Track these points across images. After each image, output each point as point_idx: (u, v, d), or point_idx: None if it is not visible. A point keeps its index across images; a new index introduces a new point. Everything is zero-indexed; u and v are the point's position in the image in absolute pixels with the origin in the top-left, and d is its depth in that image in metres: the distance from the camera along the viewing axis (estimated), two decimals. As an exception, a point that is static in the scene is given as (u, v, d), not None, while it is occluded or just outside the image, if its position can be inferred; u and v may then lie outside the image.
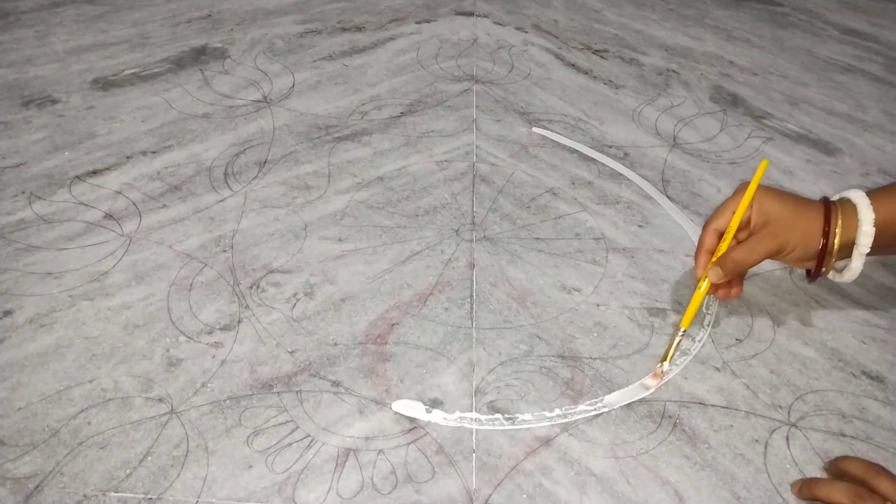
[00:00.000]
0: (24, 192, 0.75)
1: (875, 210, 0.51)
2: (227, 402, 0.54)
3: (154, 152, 0.83)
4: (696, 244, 0.67)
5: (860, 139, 0.97)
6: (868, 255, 0.53)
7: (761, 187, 0.56)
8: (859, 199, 0.53)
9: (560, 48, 1.17)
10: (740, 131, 0.97)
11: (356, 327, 0.62)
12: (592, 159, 0.87)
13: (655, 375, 0.58)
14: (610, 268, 0.70)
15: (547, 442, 0.53)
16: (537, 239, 0.73)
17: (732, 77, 1.13)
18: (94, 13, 1.18)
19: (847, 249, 0.54)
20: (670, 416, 0.56)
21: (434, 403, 0.55)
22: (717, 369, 0.60)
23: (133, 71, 1.00)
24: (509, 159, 0.86)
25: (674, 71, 1.13)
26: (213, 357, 0.58)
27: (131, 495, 0.48)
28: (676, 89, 1.07)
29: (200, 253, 0.68)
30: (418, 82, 1.02)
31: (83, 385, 0.55)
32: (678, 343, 0.58)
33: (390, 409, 0.55)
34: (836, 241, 0.53)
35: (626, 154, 0.89)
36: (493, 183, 0.81)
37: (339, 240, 0.71)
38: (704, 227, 0.57)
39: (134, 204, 0.74)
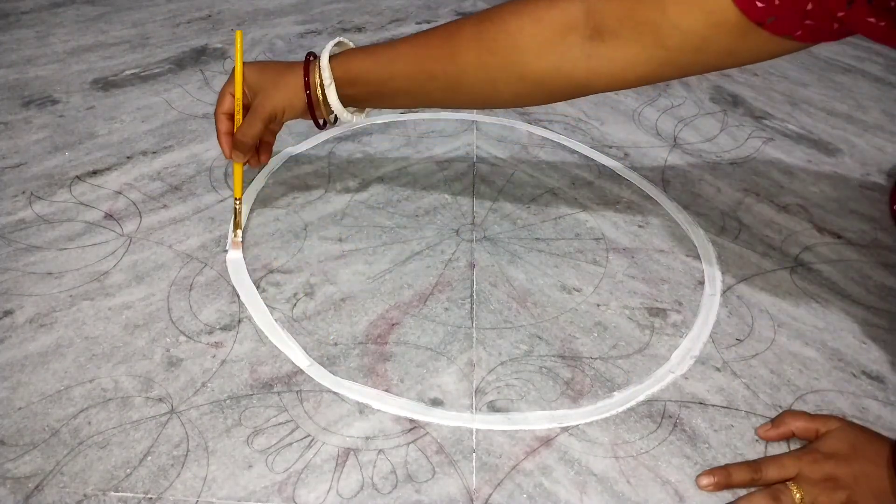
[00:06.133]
0: (24, 193, 0.75)
1: (337, 67, 0.59)
2: (228, 401, 0.54)
3: (154, 152, 0.83)
4: (695, 244, 0.68)
5: (860, 139, 0.97)
6: (365, 105, 0.63)
7: (247, 66, 0.61)
8: (324, 59, 0.59)
9: (560, 48, 1.16)
10: (740, 131, 0.97)
11: (356, 327, 0.62)
12: (592, 159, 0.87)
13: (235, 244, 0.68)
14: (610, 268, 0.70)
15: (547, 442, 0.53)
16: (537, 239, 0.73)
17: (732, 77, 1.13)
18: (94, 14, 1.18)
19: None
20: (670, 416, 0.56)
21: (434, 403, 0.55)
22: (718, 369, 0.60)
23: (133, 71, 1.00)
24: (509, 159, 0.86)
25: (674, 71, 1.13)
26: (214, 357, 0.58)
27: (131, 495, 0.48)
28: (677, 90, 1.07)
29: (200, 253, 0.68)
30: (418, 82, 1.02)
31: (83, 385, 0.55)
32: (240, 210, 0.68)
33: (391, 409, 0.55)
34: (319, 92, 0.60)
35: (626, 154, 0.89)
36: (493, 183, 0.81)
37: (340, 240, 0.71)
38: (215, 114, 0.63)
39: (134, 204, 0.74)
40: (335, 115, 0.62)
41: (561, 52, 0.50)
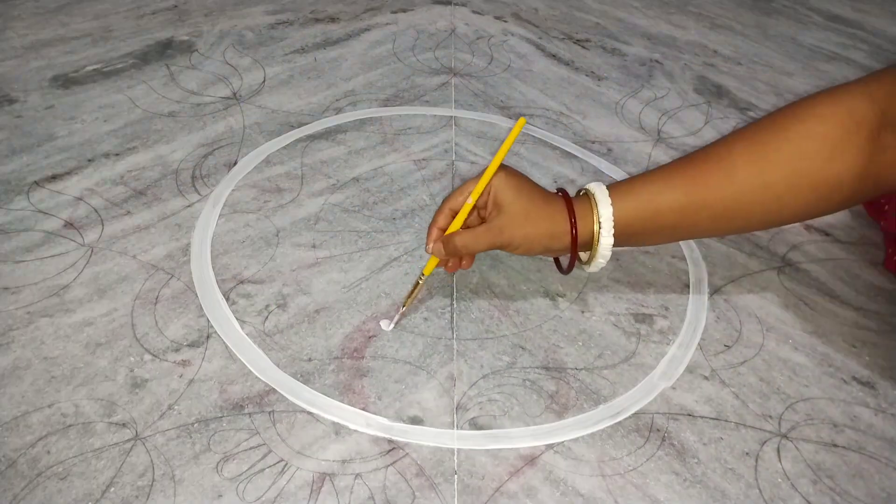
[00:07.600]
0: (-22, 200, 0.71)
1: (616, 208, 0.54)
2: (196, 425, 0.52)
3: (117, 154, 0.79)
4: (680, 244, 0.66)
5: (846, 130, 0.96)
6: (617, 245, 0.56)
7: (506, 171, 0.55)
8: (605, 209, 0.53)
9: (541, 38, 1.13)
10: (725, 124, 0.95)
11: (331, 341, 0.59)
12: (575, 156, 0.85)
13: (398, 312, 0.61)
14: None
15: (531, 461, 0.51)
16: (519, 242, 0.70)
17: (716, 67, 1.10)
18: (53, 5, 1.12)
19: (586, 245, 0.56)
20: (658, 430, 0.54)
21: (413, 421, 0.53)
22: (706, 378, 0.58)
23: (95, 67, 0.96)
24: (490, 157, 0.83)
25: (657, 61, 1.10)
26: (181, 377, 0.55)
27: (92, 532, 0.45)
28: (660, 80, 1.04)
29: (167, 263, 0.65)
30: (394, 76, 0.99)
31: (42, 410, 0.52)
32: (418, 288, 0.61)
33: (368, 429, 0.52)
34: (595, 239, 0.55)
35: (609, 150, 0.86)
36: (473, 182, 0.78)
37: (313, 246, 0.68)
38: (442, 204, 0.58)
39: (96, 211, 0.70)
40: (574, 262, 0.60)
41: (853, 151, 0.47)
